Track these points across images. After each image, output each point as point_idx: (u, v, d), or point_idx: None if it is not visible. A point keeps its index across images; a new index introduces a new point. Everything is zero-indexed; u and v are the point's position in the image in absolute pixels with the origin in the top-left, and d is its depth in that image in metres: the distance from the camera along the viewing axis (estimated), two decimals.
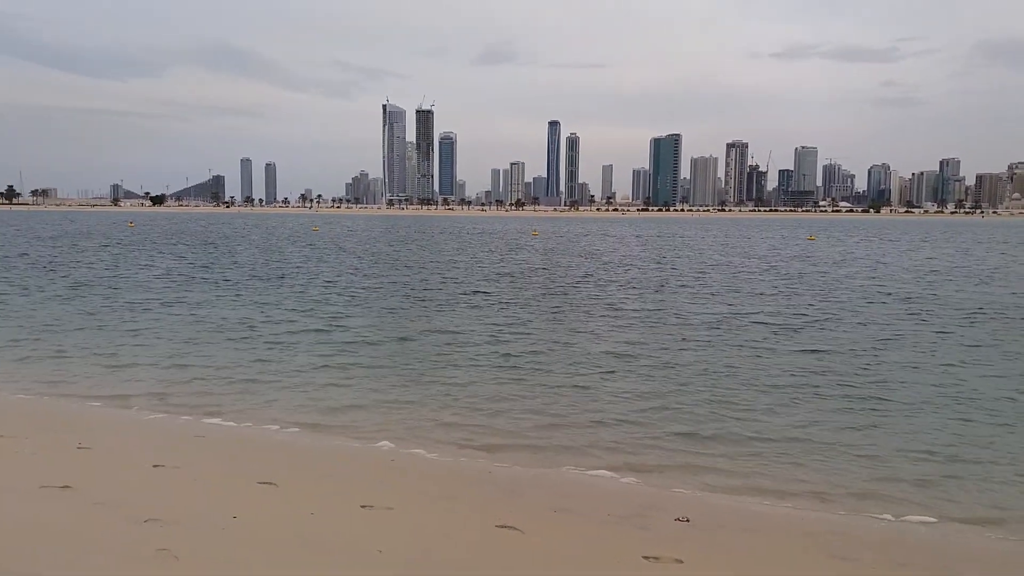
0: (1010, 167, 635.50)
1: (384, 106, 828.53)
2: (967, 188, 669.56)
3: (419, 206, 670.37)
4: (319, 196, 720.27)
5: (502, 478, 13.07)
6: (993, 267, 65.53)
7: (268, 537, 9.49)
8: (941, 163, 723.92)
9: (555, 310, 34.81)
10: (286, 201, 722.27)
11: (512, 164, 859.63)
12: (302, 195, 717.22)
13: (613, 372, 21.64)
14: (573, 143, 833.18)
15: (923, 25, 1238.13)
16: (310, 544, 9.34)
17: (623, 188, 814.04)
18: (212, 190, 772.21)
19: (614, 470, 13.80)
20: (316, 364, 22.49)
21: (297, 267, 60.46)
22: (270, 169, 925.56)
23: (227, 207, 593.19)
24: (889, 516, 11.87)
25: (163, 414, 16.99)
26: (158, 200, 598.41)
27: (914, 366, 22.78)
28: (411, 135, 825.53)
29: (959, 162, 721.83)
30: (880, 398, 18.87)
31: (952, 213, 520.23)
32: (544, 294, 41.75)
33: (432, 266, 63.07)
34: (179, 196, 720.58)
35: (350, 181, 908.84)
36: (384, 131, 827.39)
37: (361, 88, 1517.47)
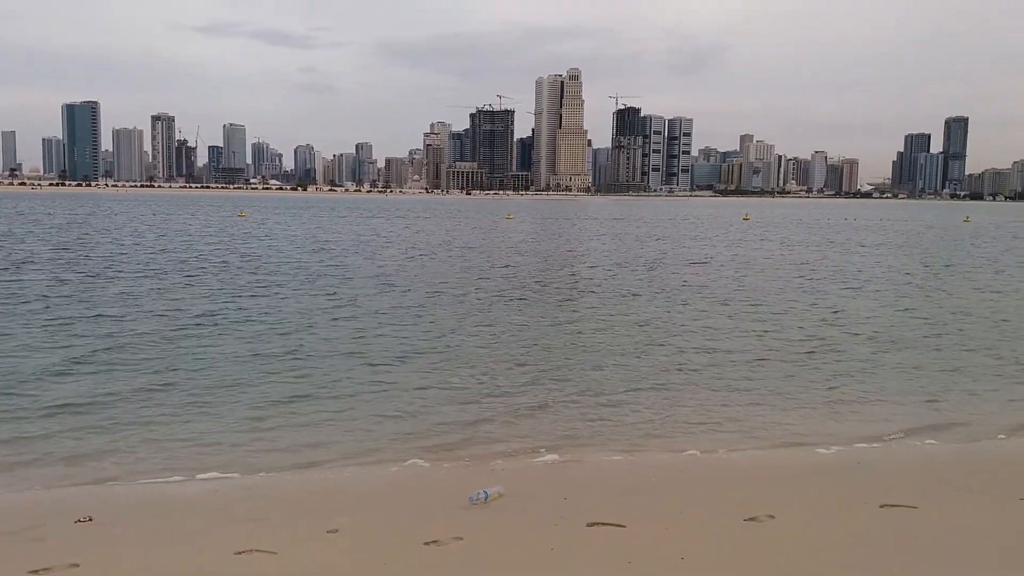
0: (410, 152, 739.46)
1: None
2: (379, 170, 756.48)
3: None
4: None
5: None
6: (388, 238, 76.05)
7: None
8: (357, 146, 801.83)
9: None
10: None
11: None
12: None
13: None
14: None
15: (335, 18, 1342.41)
16: None
17: (32, 159, 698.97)
18: None
19: None
20: None
21: None
22: None
23: None
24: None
25: None
26: None
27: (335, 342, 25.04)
28: None
29: (372, 146, 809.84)
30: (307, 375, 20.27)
31: (368, 192, 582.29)
32: None
33: None
34: None
35: None
36: None
37: None
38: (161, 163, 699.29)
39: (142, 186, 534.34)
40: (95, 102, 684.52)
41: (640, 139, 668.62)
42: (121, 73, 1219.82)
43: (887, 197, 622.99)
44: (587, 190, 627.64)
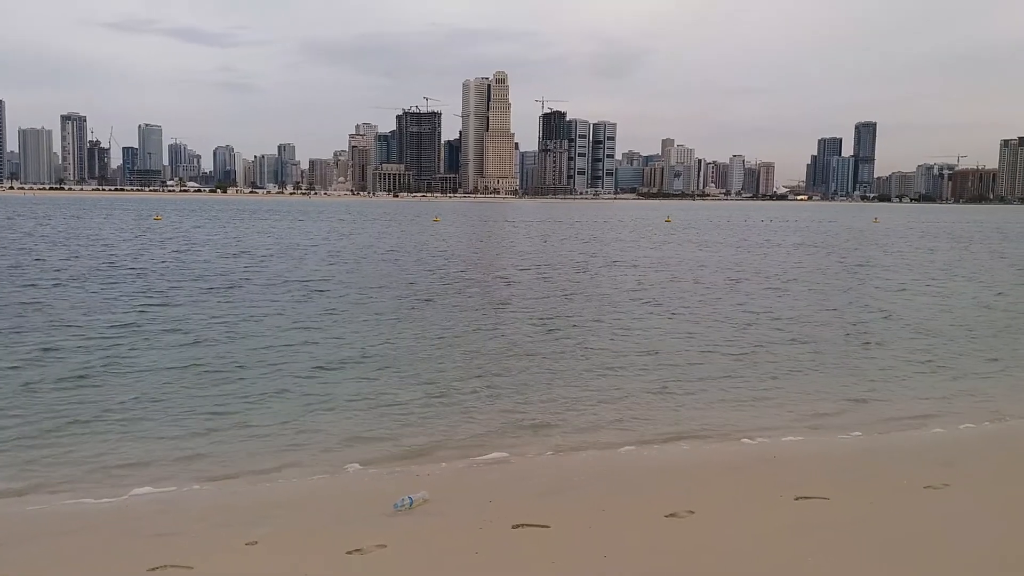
0: (335, 154, 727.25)
1: None
2: (302, 171, 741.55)
3: None
4: None
5: None
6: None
7: None
8: (279, 147, 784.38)
9: None
10: None
11: None
12: None
13: None
14: None
15: (254, 16, 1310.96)
16: None
17: None
18: None
19: None
20: None
21: None
22: None
23: None
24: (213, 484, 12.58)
25: None
26: None
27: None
28: None
29: (295, 147, 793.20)
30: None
31: (291, 194, 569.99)
32: None
33: None
34: None
35: None
36: None
37: None
38: (72, 165, 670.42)
39: (51, 189, 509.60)
40: (0, 101, 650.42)
41: (566, 142, 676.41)
42: (27, 71, 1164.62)
43: (801, 199, 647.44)
44: (515, 193, 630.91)
